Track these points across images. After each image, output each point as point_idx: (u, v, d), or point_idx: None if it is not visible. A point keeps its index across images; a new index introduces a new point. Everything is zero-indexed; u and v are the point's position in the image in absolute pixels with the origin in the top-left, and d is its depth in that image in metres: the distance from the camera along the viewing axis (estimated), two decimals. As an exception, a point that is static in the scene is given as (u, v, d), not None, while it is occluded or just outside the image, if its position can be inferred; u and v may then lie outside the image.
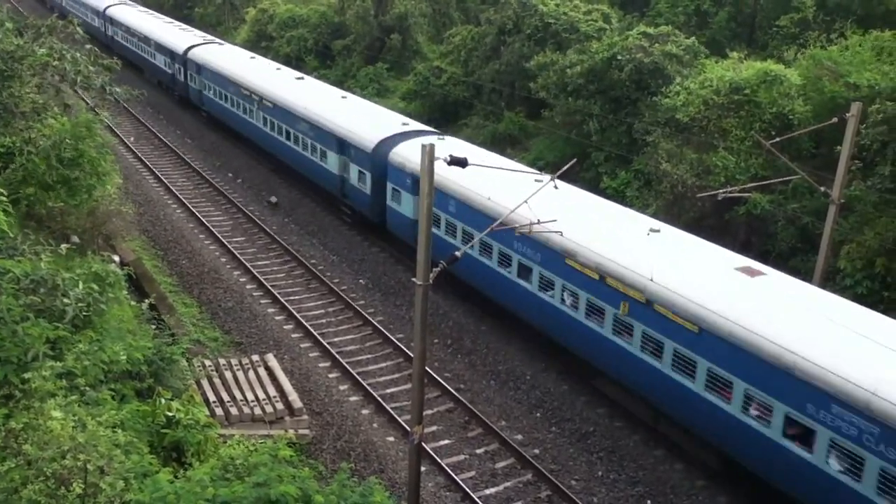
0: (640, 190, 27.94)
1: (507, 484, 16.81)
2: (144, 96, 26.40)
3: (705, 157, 25.39)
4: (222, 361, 18.70)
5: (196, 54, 42.13)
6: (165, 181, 34.09)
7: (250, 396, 17.39)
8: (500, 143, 34.33)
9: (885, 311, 16.30)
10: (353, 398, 19.55)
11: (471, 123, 37.67)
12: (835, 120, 18.55)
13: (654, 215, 23.47)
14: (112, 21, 57.69)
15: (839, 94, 24.03)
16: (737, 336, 14.74)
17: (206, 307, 23.64)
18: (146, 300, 17.88)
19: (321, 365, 20.91)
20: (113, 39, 57.57)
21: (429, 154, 12.80)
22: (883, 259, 20.29)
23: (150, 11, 58.63)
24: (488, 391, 20.19)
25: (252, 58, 40.90)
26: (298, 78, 36.00)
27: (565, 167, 17.02)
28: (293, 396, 17.74)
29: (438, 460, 17.14)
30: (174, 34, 47.76)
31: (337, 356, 21.03)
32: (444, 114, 39.43)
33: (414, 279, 13.43)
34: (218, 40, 46.82)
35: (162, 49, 47.00)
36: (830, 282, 20.36)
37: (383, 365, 21.16)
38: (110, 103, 24.85)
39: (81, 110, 24.68)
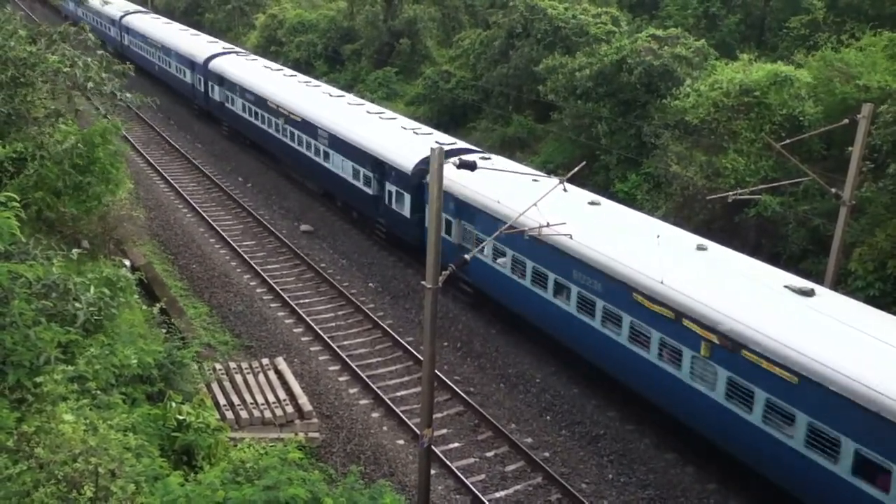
0: (650, 193, 27.89)
1: (517, 487, 16.79)
2: (157, 103, 26.41)
3: (715, 160, 25.32)
4: (232, 365, 18.75)
5: (462, 183, 22.43)
6: (176, 186, 34.27)
7: (260, 400, 17.43)
8: (509, 147, 34.34)
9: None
10: (362, 401, 19.58)
11: (479, 127, 37.69)
12: (846, 121, 18.46)
13: (664, 218, 23.42)
14: (221, 80, 39.05)
15: (850, 96, 23.91)
16: None
17: (216, 311, 23.75)
18: (157, 304, 17.98)
19: (331, 368, 20.95)
20: (223, 107, 39.36)
21: (438, 157, 12.82)
22: (895, 261, 20.15)
23: (293, 73, 38.71)
24: (498, 394, 20.17)
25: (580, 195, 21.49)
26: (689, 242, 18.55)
27: (575, 170, 17.03)
28: (303, 400, 17.77)
29: (448, 463, 17.13)
30: (373, 126, 28.72)
31: (347, 359, 21.06)
32: (452, 117, 39.47)
33: (423, 282, 13.46)
34: (476, 148, 27.36)
35: (352, 151, 28.08)
36: (842, 284, 20.24)
37: (393, 368, 21.19)
38: (122, 109, 24.99)
39: (94, 116, 24.83)
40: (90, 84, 20.99)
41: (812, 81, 25.79)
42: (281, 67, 40.76)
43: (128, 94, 22.91)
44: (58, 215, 18.74)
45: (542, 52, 34.92)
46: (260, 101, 35.20)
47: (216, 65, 39.62)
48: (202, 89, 41.19)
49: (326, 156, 30.02)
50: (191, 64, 42.41)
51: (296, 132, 32.11)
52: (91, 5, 54.11)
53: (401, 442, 18.12)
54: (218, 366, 18.25)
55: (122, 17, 56.01)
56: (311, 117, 31.08)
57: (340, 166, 29.11)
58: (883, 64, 24.57)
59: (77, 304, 11.46)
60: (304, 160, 32.00)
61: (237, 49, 44.92)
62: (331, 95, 33.57)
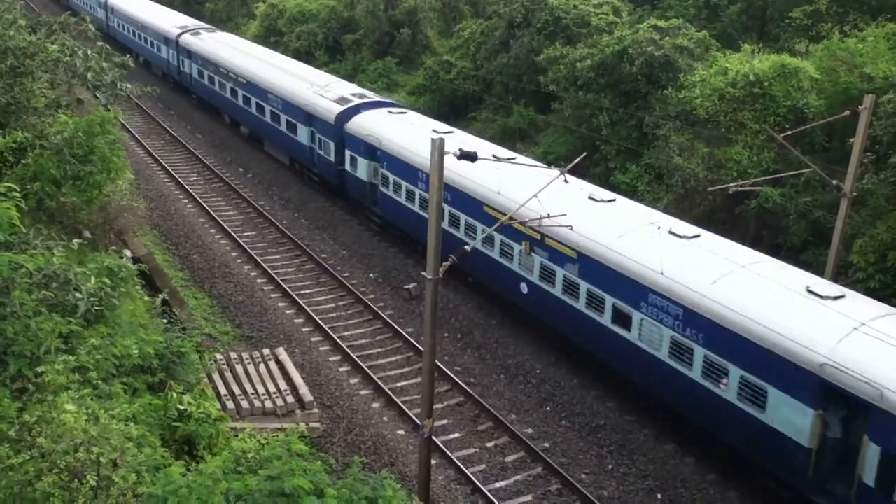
0: (651, 184, 27.83)
1: (517, 477, 16.85)
2: (157, 92, 26.26)
3: (717, 151, 25.26)
4: (233, 355, 18.78)
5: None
6: (176, 176, 34.23)
7: (261, 390, 17.46)
8: (509, 138, 34.25)
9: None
10: (363, 392, 19.62)
11: (480, 117, 37.59)
12: (847, 113, 18.41)
13: (665, 209, 23.39)
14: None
15: (853, 86, 23.84)
16: None
17: (217, 301, 23.76)
18: (158, 295, 17.98)
19: (331, 359, 20.99)
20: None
21: (439, 149, 12.81)
22: (895, 252, 20.14)
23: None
24: (498, 385, 20.21)
25: None
26: None
27: (575, 161, 17.02)
28: (304, 390, 17.81)
29: (448, 454, 17.19)
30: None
31: (347, 350, 21.10)
32: (453, 108, 39.37)
33: (424, 273, 13.46)
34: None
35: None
36: (842, 276, 20.23)
37: (393, 359, 21.22)
38: (122, 99, 24.92)
39: (95, 106, 24.76)
40: (90, 74, 20.93)
41: (816, 75, 25.67)
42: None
43: (128, 85, 22.85)
44: (58, 205, 18.71)
45: (543, 42, 34.78)
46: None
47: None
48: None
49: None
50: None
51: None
52: None
53: (401, 432, 18.17)
54: (219, 356, 18.28)
55: None
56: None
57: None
58: (886, 54, 24.45)
59: (78, 295, 11.45)
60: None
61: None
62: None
